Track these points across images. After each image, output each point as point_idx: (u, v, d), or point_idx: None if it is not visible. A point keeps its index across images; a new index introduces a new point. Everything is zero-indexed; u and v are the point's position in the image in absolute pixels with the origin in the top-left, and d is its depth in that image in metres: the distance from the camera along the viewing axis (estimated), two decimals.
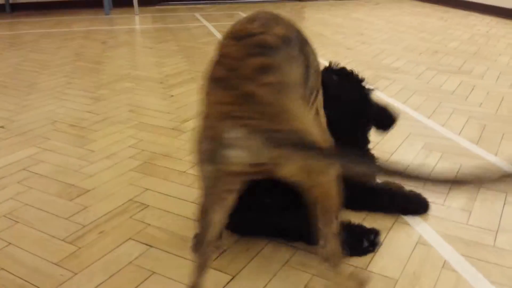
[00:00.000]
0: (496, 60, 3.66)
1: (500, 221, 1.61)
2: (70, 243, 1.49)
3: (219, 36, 4.59)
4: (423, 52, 3.91)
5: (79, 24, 5.14)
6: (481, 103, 2.72)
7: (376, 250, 1.46)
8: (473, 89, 2.97)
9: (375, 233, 1.47)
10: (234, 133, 0.93)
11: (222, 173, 0.99)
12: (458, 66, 3.49)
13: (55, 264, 1.40)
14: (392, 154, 2.10)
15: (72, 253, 1.45)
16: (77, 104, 2.73)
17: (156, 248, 1.48)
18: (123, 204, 1.72)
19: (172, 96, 2.89)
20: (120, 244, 1.49)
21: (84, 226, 1.58)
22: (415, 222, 1.60)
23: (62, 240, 1.51)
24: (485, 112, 2.58)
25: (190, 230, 1.56)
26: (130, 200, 1.75)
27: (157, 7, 6.43)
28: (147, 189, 1.83)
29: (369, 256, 1.43)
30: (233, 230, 1.51)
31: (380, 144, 2.19)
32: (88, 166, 2.01)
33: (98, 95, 2.91)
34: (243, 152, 0.94)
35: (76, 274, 1.36)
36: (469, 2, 6.09)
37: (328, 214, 1.10)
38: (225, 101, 0.95)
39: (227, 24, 5.21)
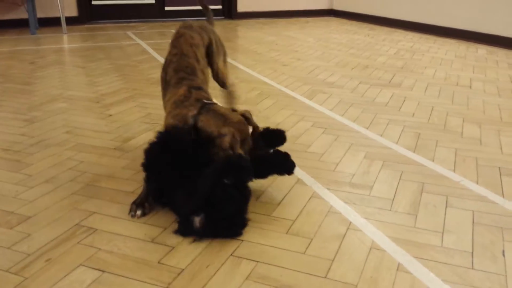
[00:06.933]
0: (423, 73, 3.89)
1: (444, 222, 1.70)
2: (16, 273, 1.39)
3: (154, 54, 4.53)
4: (355, 67, 4.09)
5: (3, 45, 4.87)
6: (414, 113, 2.87)
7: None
8: (404, 100, 3.13)
9: None
10: None
11: None
12: (388, 79, 3.68)
13: None
14: (337, 164, 2.15)
15: (19, 284, 1.34)
16: (8, 127, 2.57)
17: (109, 273, 1.41)
18: (69, 229, 1.63)
19: (111, 115, 2.80)
20: (71, 272, 1.41)
21: (29, 255, 1.48)
22: (367, 228, 1.65)
23: (6, 271, 1.40)
24: (418, 121, 2.73)
25: (142, 251, 1.51)
26: (77, 224, 1.66)
27: (86, 25, 6.24)
28: (93, 212, 1.74)
29: (327, 264, 1.46)
30: None
31: (325, 155, 2.24)
32: (26, 192, 1.89)
33: (30, 117, 2.76)
34: None
35: None
36: (392, 19, 6.47)
37: None
38: None
39: (161, 42, 5.16)
